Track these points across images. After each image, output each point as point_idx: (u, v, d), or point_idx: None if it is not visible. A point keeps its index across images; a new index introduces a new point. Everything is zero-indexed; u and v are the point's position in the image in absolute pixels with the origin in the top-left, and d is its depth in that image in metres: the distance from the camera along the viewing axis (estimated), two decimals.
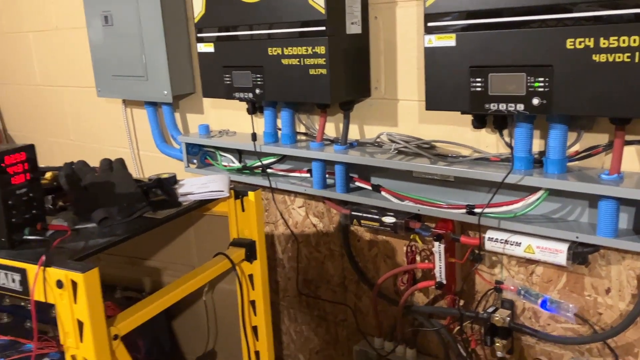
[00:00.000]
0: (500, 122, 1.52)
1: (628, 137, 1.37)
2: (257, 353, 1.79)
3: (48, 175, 1.57)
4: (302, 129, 2.05)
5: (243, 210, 1.68)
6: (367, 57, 1.82)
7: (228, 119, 2.29)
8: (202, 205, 1.58)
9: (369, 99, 1.85)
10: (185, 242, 1.91)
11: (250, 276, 1.72)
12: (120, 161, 1.57)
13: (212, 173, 2.22)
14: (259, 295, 1.72)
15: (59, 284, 1.13)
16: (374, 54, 1.81)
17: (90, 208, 1.42)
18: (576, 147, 1.48)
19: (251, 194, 1.64)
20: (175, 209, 1.50)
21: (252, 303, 1.75)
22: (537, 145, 1.52)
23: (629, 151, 1.40)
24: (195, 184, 1.65)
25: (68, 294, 1.14)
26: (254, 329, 1.77)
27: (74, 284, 1.13)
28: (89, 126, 2.94)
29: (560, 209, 1.52)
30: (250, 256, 1.66)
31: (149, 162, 2.72)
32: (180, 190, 1.61)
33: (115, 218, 1.40)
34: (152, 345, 1.88)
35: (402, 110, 1.79)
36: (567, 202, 1.50)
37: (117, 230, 1.37)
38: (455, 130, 1.68)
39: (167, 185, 1.55)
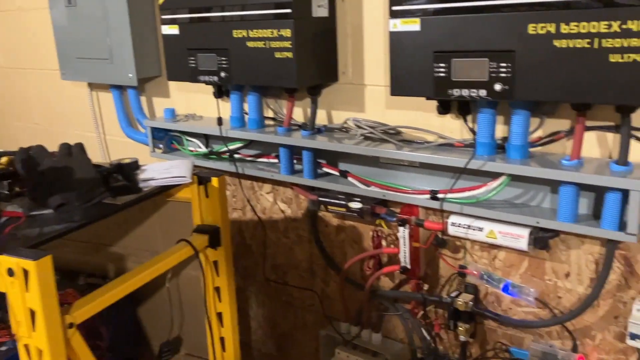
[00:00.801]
0: (464, 108, 1.52)
1: (589, 123, 1.38)
2: (222, 339, 1.78)
3: (4, 160, 1.53)
4: (270, 113, 2.03)
5: (207, 196, 1.66)
6: (335, 41, 1.80)
7: (195, 102, 2.25)
8: (164, 191, 1.56)
9: (336, 84, 1.84)
10: (150, 228, 1.88)
11: (215, 262, 1.71)
12: (80, 146, 1.53)
13: (177, 158, 2.19)
14: (223, 281, 1.71)
15: (10, 272, 1.11)
16: (341, 37, 1.79)
17: (47, 194, 1.38)
18: (539, 133, 1.49)
19: (214, 180, 1.62)
20: (136, 194, 1.48)
21: (217, 289, 1.74)
22: (501, 130, 1.53)
23: (590, 137, 1.41)
24: (158, 169, 1.62)
25: (19, 282, 1.11)
26: (219, 315, 1.76)
27: (26, 272, 1.11)
28: (54, 110, 2.87)
29: (523, 194, 1.53)
30: (214, 243, 1.65)
31: (115, 146, 2.67)
32: (142, 176, 1.58)
33: (73, 204, 1.37)
34: (117, 332, 1.85)
35: (370, 96, 1.78)
36: (529, 188, 1.51)
37: (75, 217, 1.34)
38: (421, 116, 1.67)
39: (127, 170, 1.52)
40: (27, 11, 2.75)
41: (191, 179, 1.58)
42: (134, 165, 1.66)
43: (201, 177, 1.63)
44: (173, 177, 1.56)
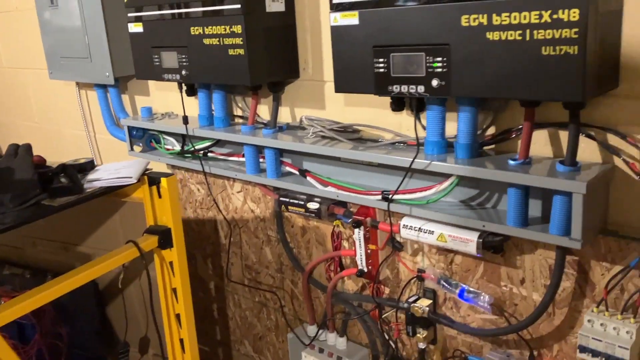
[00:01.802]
0: (417, 105, 1.45)
1: (541, 120, 1.29)
2: (181, 341, 1.77)
3: None
4: (239, 112, 1.99)
5: (160, 197, 1.64)
6: (294, 36, 1.75)
7: (173, 100, 2.24)
8: (108, 192, 1.54)
9: (298, 80, 1.78)
10: (112, 228, 1.88)
11: (172, 263, 1.69)
12: (26, 147, 1.53)
13: (155, 157, 2.18)
14: (178, 282, 1.69)
15: None
16: (300, 32, 1.73)
17: None
18: (492, 130, 1.40)
19: (164, 180, 1.60)
20: (76, 196, 1.47)
21: (175, 290, 1.72)
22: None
23: (542, 135, 1.32)
24: (109, 170, 1.62)
25: None
26: (178, 317, 1.74)
27: None
28: (50, 109, 2.92)
29: (478, 195, 1.45)
30: (165, 244, 1.63)
31: (105, 145, 2.69)
32: (90, 176, 1.58)
33: (7, 206, 1.37)
34: (78, 332, 1.86)
35: (330, 92, 1.72)
36: (483, 188, 1.43)
37: (6, 219, 1.34)
38: (378, 113, 1.61)
39: (71, 171, 1.51)
40: (24, 11, 2.80)
41: (137, 180, 1.56)
42: (89, 166, 1.66)
43: (152, 178, 1.61)
44: (118, 178, 1.54)
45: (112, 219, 1.85)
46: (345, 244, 1.77)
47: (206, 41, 1.70)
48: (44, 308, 1.82)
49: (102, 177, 1.56)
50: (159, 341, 1.66)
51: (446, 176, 1.41)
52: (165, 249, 1.63)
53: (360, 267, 1.64)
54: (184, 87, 1.98)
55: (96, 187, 1.51)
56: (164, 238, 1.61)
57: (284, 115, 1.86)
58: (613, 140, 1.22)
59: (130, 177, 1.54)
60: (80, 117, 2.69)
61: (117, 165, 1.65)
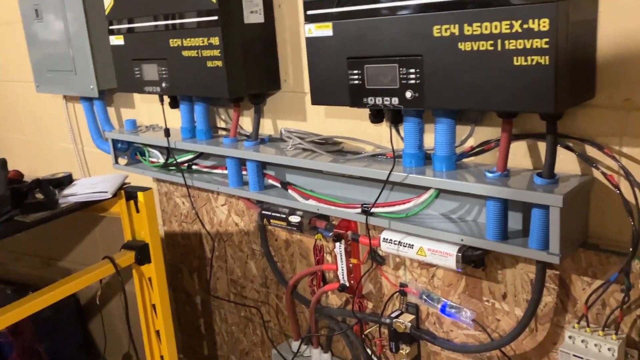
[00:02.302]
0: (393, 117, 1.42)
1: (519, 131, 1.26)
2: (162, 357, 1.74)
3: None
4: (222, 124, 1.97)
5: (138, 211, 1.62)
6: (274, 48, 1.73)
7: (158, 113, 2.22)
8: (84, 207, 1.52)
9: (280, 92, 1.76)
10: (92, 243, 1.86)
11: (150, 279, 1.66)
12: (1, 162, 1.51)
13: (140, 170, 2.16)
14: (157, 298, 1.67)
15: None
16: (280, 44, 1.71)
17: None
18: (471, 142, 1.38)
19: (141, 195, 1.58)
20: (50, 211, 1.45)
21: (154, 307, 1.69)
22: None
23: (521, 146, 1.29)
24: (85, 185, 1.60)
25: None
26: (158, 333, 1.71)
27: None
28: (39, 122, 2.90)
29: (458, 208, 1.42)
30: (143, 259, 1.60)
31: (93, 158, 2.67)
32: (66, 191, 1.56)
33: None
34: (60, 347, 1.84)
35: (310, 104, 1.69)
36: (463, 200, 1.40)
37: None
38: (358, 125, 1.58)
39: (45, 186, 1.48)
40: (10, 25, 2.80)
41: (112, 195, 1.54)
42: (66, 180, 1.64)
43: (129, 192, 1.59)
44: (93, 193, 1.52)
45: (92, 233, 1.83)
46: (328, 257, 1.74)
47: (185, 53, 1.68)
48: (23, 324, 1.80)
49: (77, 192, 1.53)
50: (137, 358, 1.63)
51: (426, 189, 1.38)
52: (143, 264, 1.60)
53: (342, 282, 1.61)
54: (167, 100, 1.96)
55: (71, 203, 1.49)
56: (141, 253, 1.59)
57: (266, 127, 1.83)
58: (591, 151, 1.19)
59: (106, 192, 1.52)
60: (68, 130, 2.68)
61: (94, 179, 1.63)
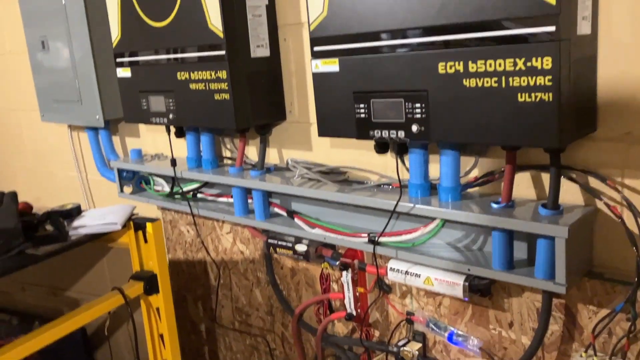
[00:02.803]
0: (399, 148, 1.45)
1: (523, 162, 1.29)
2: None
3: None
4: (228, 153, 2.00)
5: (146, 241, 1.63)
6: (280, 80, 1.77)
7: (163, 142, 2.25)
8: (94, 239, 1.54)
9: (285, 122, 1.80)
10: (100, 273, 1.87)
11: (158, 309, 1.67)
12: (11, 195, 1.53)
13: (145, 199, 2.18)
14: (165, 328, 1.67)
15: None
16: (286, 76, 1.75)
17: None
18: (475, 173, 1.40)
19: (149, 226, 1.60)
20: (61, 244, 1.46)
21: (162, 337, 1.70)
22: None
23: (525, 177, 1.32)
24: (94, 216, 1.61)
25: None
26: None
27: None
28: (42, 150, 2.93)
29: (463, 237, 1.44)
30: (151, 289, 1.61)
31: (97, 186, 2.69)
32: (76, 223, 1.57)
33: None
34: None
35: (316, 134, 1.72)
36: (469, 230, 1.42)
37: None
38: (363, 155, 1.61)
39: (55, 218, 1.50)
40: (16, 54, 2.84)
41: (122, 226, 1.56)
42: (75, 211, 1.66)
43: (137, 223, 1.61)
44: (103, 224, 1.54)
45: (100, 264, 1.84)
46: (334, 286, 1.76)
47: (192, 86, 1.71)
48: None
49: (87, 223, 1.55)
50: None
51: (431, 218, 1.41)
52: (151, 294, 1.62)
53: (348, 311, 1.62)
54: (173, 130, 1.99)
55: (81, 235, 1.51)
56: (150, 284, 1.60)
57: (272, 157, 1.86)
58: (594, 182, 1.22)
59: (116, 224, 1.54)
60: (72, 158, 2.70)
61: (102, 210, 1.65)
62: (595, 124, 1.19)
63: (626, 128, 1.15)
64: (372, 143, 1.47)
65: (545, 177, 1.30)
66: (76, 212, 1.65)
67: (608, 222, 1.22)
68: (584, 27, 1.09)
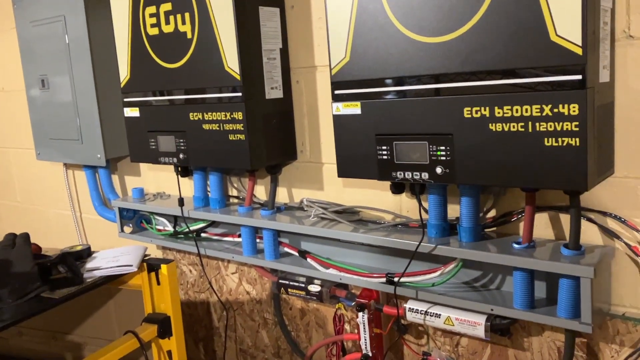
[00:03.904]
0: (419, 189, 1.48)
1: (542, 203, 1.33)
2: None
3: None
4: (235, 192, 2.00)
5: (159, 283, 1.61)
6: (292, 121, 1.79)
7: (164, 181, 2.24)
8: (109, 281, 1.51)
9: (296, 162, 1.81)
10: (106, 316, 1.82)
11: (169, 352, 1.64)
12: (24, 236, 1.50)
13: (146, 238, 2.16)
14: None
15: None
16: (297, 117, 1.78)
17: None
18: (493, 213, 1.44)
19: (164, 267, 1.58)
20: (77, 287, 1.44)
21: None
22: (456, 210, 1.48)
23: (543, 217, 1.36)
24: (107, 257, 1.59)
25: None
26: None
27: None
28: (33, 188, 2.88)
29: (481, 277, 1.46)
30: (165, 332, 1.58)
31: (91, 225, 2.65)
32: (89, 265, 1.55)
33: (6, 300, 1.33)
34: None
35: (327, 174, 1.75)
36: (487, 269, 1.45)
37: (5, 315, 1.30)
38: (377, 195, 1.64)
39: (70, 261, 1.48)
40: (9, 92, 2.81)
41: (137, 268, 1.53)
42: (85, 253, 1.63)
43: (151, 265, 1.59)
44: (119, 267, 1.51)
45: (106, 306, 1.80)
46: (347, 326, 1.75)
47: (206, 126, 1.73)
48: None
49: (101, 265, 1.53)
50: None
51: (451, 258, 1.43)
52: (164, 338, 1.58)
53: (364, 352, 1.62)
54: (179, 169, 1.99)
55: (96, 277, 1.48)
56: (164, 327, 1.57)
57: (281, 195, 1.87)
58: (612, 223, 1.26)
59: (131, 265, 1.51)
60: (66, 196, 2.66)
61: (114, 252, 1.62)
62: (614, 166, 1.23)
63: None
64: (386, 183, 1.50)
65: (563, 217, 1.33)
66: (86, 253, 1.62)
67: (627, 262, 1.25)
68: (604, 75, 1.15)
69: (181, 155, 1.82)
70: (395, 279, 1.49)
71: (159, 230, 2.14)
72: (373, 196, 1.65)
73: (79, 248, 1.63)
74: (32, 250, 1.51)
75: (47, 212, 2.82)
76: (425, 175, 1.31)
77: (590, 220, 1.28)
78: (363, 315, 1.60)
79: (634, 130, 1.21)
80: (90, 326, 1.85)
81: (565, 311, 1.24)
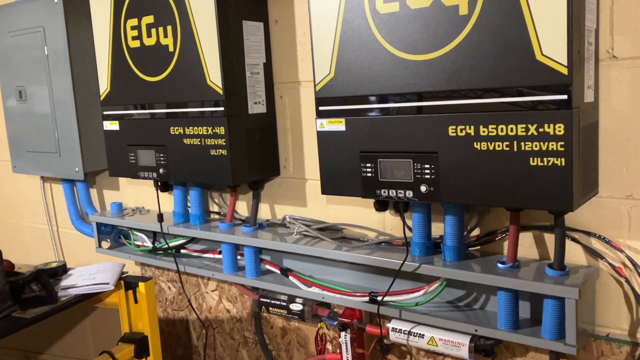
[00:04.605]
0: (400, 206, 1.46)
1: (526, 222, 1.32)
2: None
3: None
4: (216, 207, 1.97)
5: (136, 301, 1.57)
6: (275, 136, 1.77)
7: (144, 195, 2.20)
8: (84, 299, 1.47)
9: (278, 178, 1.79)
10: (82, 334, 1.77)
11: None
12: None
13: (124, 254, 2.11)
14: None
15: None
16: (281, 132, 1.76)
17: None
18: (477, 232, 1.43)
19: (142, 285, 1.54)
20: (50, 306, 1.39)
21: None
22: (440, 228, 1.46)
23: (527, 237, 1.35)
24: (83, 275, 1.55)
25: None
26: None
27: None
28: (8, 201, 2.81)
29: (466, 296, 1.44)
30: (142, 352, 1.54)
31: (68, 239, 2.59)
32: (64, 283, 1.50)
33: None
34: None
35: (310, 190, 1.73)
36: (471, 289, 1.43)
37: None
38: (361, 212, 1.62)
39: (44, 279, 1.43)
40: None
41: (114, 286, 1.49)
42: (61, 270, 1.58)
43: (128, 283, 1.55)
44: (95, 285, 1.47)
45: (82, 324, 1.75)
46: (329, 346, 1.72)
47: (186, 141, 1.70)
48: None
49: (76, 283, 1.48)
50: None
51: (432, 277, 1.41)
52: (141, 358, 1.54)
53: None
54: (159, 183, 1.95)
55: (71, 295, 1.43)
56: (141, 347, 1.52)
57: (264, 212, 1.84)
58: (596, 243, 1.25)
59: (108, 283, 1.47)
60: (42, 210, 2.60)
61: (91, 269, 1.58)
62: (598, 186, 1.23)
63: (627, 191, 1.20)
64: (369, 200, 1.48)
65: (548, 237, 1.33)
66: (62, 270, 1.58)
67: (611, 282, 1.25)
68: (589, 96, 1.15)
69: (161, 170, 1.78)
70: (379, 298, 1.47)
71: (138, 245, 2.10)
72: (357, 213, 1.63)
73: (54, 265, 1.58)
74: (4, 267, 1.46)
75: (22, 226, 2.75)
76: (409, 194, 1.30)
77: (574, 240, 1.27)
78: (345, 335, 1.57)
79: (617, 151, 1.21)
80: (65, 346, 1.80)
81: (549, 332, 1.23)
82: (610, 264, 1.22)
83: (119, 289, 1.54)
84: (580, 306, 1.18)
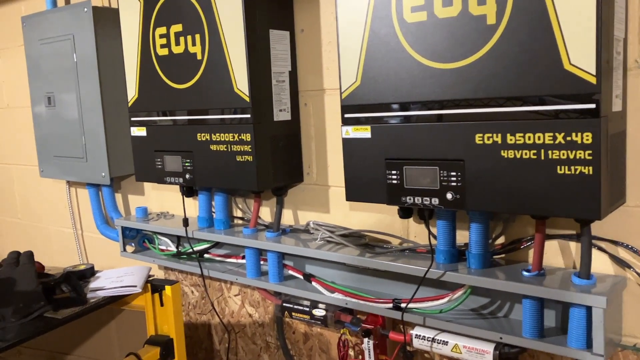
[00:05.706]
0: (426, 213, 1.47)
1: (552, 231, 1.32)
2: None
3: None
4: (239, 213, 1.99)
5: (162, 304, 1.59)
6: (299, 143, 1.79)
7: (168, 201, 2.23)
8: (112, 302, 1.49)
9: (302, 184, 1.81)
10: (107, 337, 1.80)
11: None
12: (28, 255, 1.49)
13: (149, 258, 2.14)
14: None
15: None
16: (305, 139, 1.78)
17: None
18: (502, 240, 1.43)
19: (168, 289, 1.56)
20: (80, 307, 1.42)
21: None
22: (464, 236, 1.47)
23: (553, 245, 1.35)
24: (111, 277, 1.57)
25: None
26: None
27: None
28: (35, 205, 2.86)
29: (490, 304, 1.45)
30: (167, 355, 1.56)
31: (93, 243, 2.63)
32: (92, 285, 1.53)
33: (9, 320, 1.31)
34: None
35: (334, 197, 1.74)
36: (495, 297, 1.43)
37: (8, 334, 1.28)
38: (384, 219, 1.63)
39: (74, 280, 1.46)
40: (14, 109, 2.81)
41: (142, 289, 1.52)
42: (89, 272, 1.62)
43: (155, 285, 1.57)
44: (122, 287, 1.50)
45: (108, 326, 1.78)
46: (351, 352, 1.72)
47: (213, 147, 1.72)
48: None
49: (105, 285, 1.51)
50: None
51: (456, 284, 1.41)
52: None
53: None
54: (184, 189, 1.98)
55: (100, 297, 1.46)
56: (166, 349, 1.55)
57: (287, 218, 1.86)
58: (624, 252, 1.25)
59: (135, 286, 1.50)
60: (68, 214, 2.65)
61: (118, 272, 1.61)
62: (625, 195, 1.23)
63: None
64: (393, 207, 1.49)
65: (573, 246, 1.32)
66: (90, 273, 1.61)
67: (638, 292, 1.24)
68: (617, 105, 1.15)
69: (187, 176, 1.81)
70: (403, 305, 1.48)
71: (162, 250, 2.13)
72: (380, 220, 1.64)
73: (82, 267, 1.61)
74: (36, 269, 1.49)
75: (48, 230, 2.80)
76: (435, 201, 1.31)
77: (601, 249, 1.27)
78: (368, 341, 1.58)
79: None
80: (91, 347, 1.83)
81: (576, 341, 1.23)
82: (638, 273, 1.22)
83: (145, 292, 1.56)
84: (608, 315, 1.18)
